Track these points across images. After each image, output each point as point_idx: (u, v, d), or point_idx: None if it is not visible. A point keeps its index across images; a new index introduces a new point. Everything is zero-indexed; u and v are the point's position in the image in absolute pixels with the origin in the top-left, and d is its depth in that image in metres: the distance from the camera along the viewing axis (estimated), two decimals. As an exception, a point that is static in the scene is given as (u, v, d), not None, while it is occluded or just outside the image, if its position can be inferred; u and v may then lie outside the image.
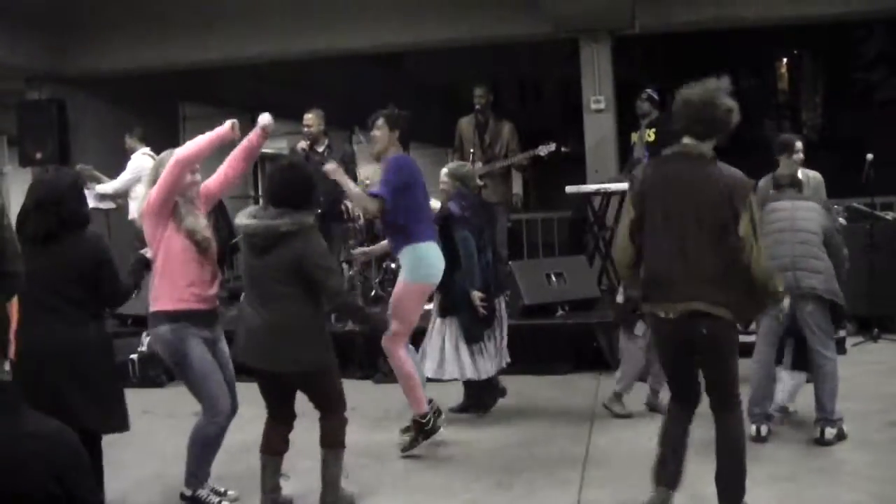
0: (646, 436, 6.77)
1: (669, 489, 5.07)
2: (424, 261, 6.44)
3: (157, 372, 8.95)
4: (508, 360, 7.53)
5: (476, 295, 7.06)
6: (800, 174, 7.56)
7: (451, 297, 7.18)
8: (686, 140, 4.95)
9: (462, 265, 7.07)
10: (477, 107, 10.49)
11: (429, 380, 7.05)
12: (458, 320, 7.20)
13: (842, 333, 9.08)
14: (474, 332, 7.18)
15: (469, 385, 7.56)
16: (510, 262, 10.10)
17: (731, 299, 4.82)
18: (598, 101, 11.82)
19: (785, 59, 25.55)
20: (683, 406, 5.11)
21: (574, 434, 6.98)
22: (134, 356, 8.95)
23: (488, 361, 7.30)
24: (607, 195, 9.88)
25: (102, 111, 13.46)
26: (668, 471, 5.08)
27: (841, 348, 8.98)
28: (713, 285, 4.78)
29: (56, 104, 12.78)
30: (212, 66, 13.55)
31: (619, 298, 7.06)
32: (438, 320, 7.32)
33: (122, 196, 10.45)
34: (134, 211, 10.60)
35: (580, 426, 7.18)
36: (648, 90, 10.30)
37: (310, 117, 9.76)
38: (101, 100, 13.53)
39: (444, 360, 7.22)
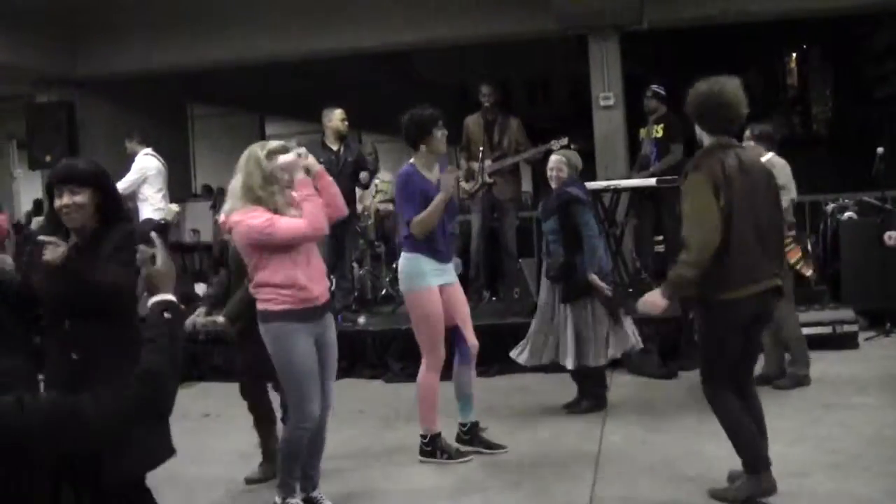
0: (657, 432, 6.79)
1: (767, 468, 5.27)
2: (403, 272, 6.43)
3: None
4: (640, 345, 7.59)
5: (595, 279, 7.12)
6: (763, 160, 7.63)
7: (574, 283, 7.24)
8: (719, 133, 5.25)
9: (584, 248, 7.17)
10: (485, 104, 10.47)
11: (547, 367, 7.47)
12: (584, 304, 7.26)
13: (854, 328, 9.10)
14: (612, 308, 7.27)
15: (580, 377, 7.55)
16: (520, 260, 10.09)
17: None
18: (606, 98, 11.79)
19: (794, 54, 25.49)
20: (744, 385, 5.39)
21: (586, 431, 6.98)
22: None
23: (602, 349, 7.31)
24: (617, 192, 9.86)
25: (111, 113, 13.48)
26: (763, 453, 5.26)
27: (853, 343, 9.02)
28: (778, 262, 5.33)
29: (65, 107, 12.83)
30: (220, 67, 13.56)
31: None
32: (561, 307, 7.34)
33: (129, 199, 10.47)
34: (147, 212, 10.66)
35: (592, 423, 7.18)
36: (655, 86, 10.29)
37: (343, 114, 9.70)
38: (109, 102, 13.55)
39: (565, 347, 7.29)
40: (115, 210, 4.11)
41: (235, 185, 5.25)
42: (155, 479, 3.85)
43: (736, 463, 5.33)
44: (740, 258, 5.11)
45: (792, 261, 7.61)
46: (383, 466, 6.39)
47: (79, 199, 3.96)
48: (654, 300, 5.23)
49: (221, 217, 5.35)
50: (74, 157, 4.11)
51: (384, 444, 6.81)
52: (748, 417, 5.29)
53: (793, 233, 7.74)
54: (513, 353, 7.60)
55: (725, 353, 5.29)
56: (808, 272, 8.11)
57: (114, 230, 4.04)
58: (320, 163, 9.29)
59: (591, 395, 7.52)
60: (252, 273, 5.29)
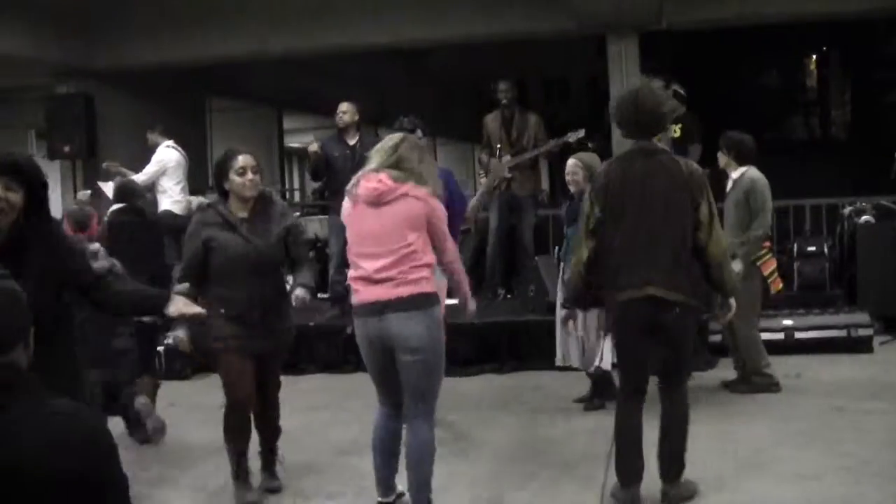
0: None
1: (637, 482, 5.27)
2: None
3: (183, 364, 9.02)
4: None
5: None
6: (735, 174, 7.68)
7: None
8: (639, 139, 5.31)
9: None
10: (503, 101, 10.49)
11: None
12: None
13: (869, 332, 9.08)
14: None
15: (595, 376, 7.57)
16: (536, 258, 10.09)
17: (693, 284, 5.19)
18: (624, 98, 11.74)
19: (813, 57, 25.38)
20: (637, 397, 5.31)
21: (597, 430, 6.98)
22: (160, 349, 9.00)
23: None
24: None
25: (130, 105, 13.52)
26: (634, 465, 5.27)
27: (867, 347, 9.00)
28: (678, 271, 5.12)
29: (84, 98, 12.89)
30: (238, 61, 13.59)
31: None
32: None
33: (148, 190, 10.51)
34: (165, 204, 10.70)
35: (605, 422, 7.18)
36: (675, 86, 10.27)
37: (344, 106, 9.73)
38: (128, 93, 13.58)
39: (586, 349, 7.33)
40: (38, 209, 3.96)
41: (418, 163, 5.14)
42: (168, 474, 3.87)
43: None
44: (616, 263, 5.18)
45: (766, 273, 7.69)
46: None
47: (12, 196, 3.83)
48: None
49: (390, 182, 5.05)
50: (12, 153, 3.91)
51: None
52: (631, 425, 5.29)
53: (769, 244, 7.95)
54: (558, 361, 7.61)
55: (621, 353, 5.46)
56: (778, 286, 8.06)
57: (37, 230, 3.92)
58: (335, 156, 9.40)
59: (603, 393, 7.52)
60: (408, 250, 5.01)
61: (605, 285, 5.25)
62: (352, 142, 9.57)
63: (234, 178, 5.47)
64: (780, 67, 24.55)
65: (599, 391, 7.53)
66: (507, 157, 10.16)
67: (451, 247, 5.26)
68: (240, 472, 5.70)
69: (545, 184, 10.76)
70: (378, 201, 5.03)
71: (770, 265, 7.75)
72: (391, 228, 5.00)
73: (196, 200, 5.73)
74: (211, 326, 5.36)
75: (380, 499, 5.30)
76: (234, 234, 5.46)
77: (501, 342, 8.88)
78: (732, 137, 7.72)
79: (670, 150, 9.70)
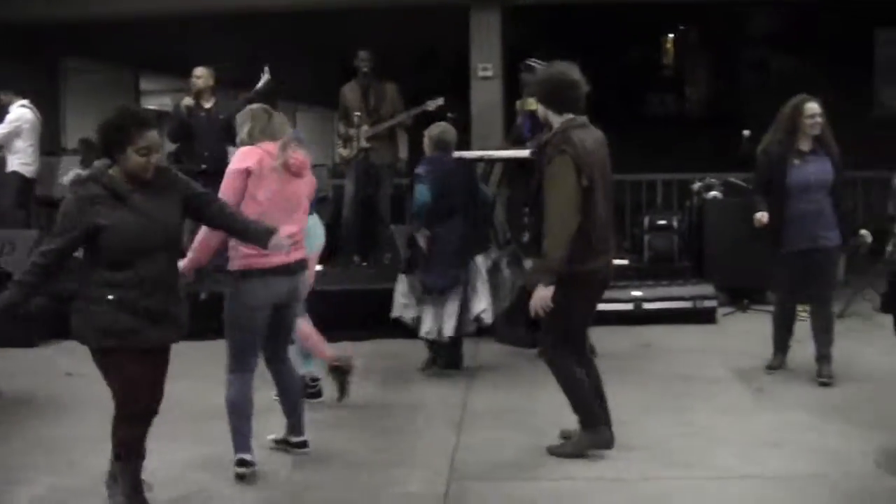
0: (520, 397, 6.94)
1: (608, 426, 5.68)
2: None
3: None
4: (484, 322, 7.73)
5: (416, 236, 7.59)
6: None
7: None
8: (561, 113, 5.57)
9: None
10: (364, 70, 10.48)
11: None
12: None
13: (713, 304, 9.39)
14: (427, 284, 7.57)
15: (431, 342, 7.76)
16: (392, 226, 10.13)
17: None
18: (485, 69, 11.86)
19: (671, 35, 25.87)
20: (582, 350, 5.82)
21: (451, 395, 7.12)
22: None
23: (447, 322, 7.53)
24: (491, 162, 9.95)
25: (-19, 62, 13.05)
26: (599, 411, 5.68)
27: (711, 318, 9.31)
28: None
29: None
30: (96, 21, 13.22)
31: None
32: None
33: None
34: (14, 164, 10.40)
35: (457, 388, 7.31)
36: (530, 60, 10.36)
37: (199, 71, 9.62)
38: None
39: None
40: None
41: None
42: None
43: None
44: (599, 231, 5.48)
45: None
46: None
47: None
48: (541, 296, 5.43)
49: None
50: None
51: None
52: (584, 378, 5.65)
53: None
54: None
55: (573, 321, 5.63)
56: None
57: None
58: (190, 120, 9.29)
59: (443, 354, 7.77)
60: None
61: (578, 253, 5.40)
62: (207, 105, 9.46)
63: (134, 157, 4.59)
64: (639, 45, 24.98)
65: (440, 353, 7.76)
66: (365, 127, 10.16)
67: None
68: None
69: (404, 153, 10.76)
70: (300, 172, 5.54)
71: None
72: (301, 198, 5.61)
73: (72, 173, 4.96)
74: (93, 315, 4.60)
75: (248, 456, 5.44)
76: (125, 208, 4.59)
77: (357, 310, 8.89)
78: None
79: (527, 124, 9.91)
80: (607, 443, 5.66)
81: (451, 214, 7.55)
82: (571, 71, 5.60)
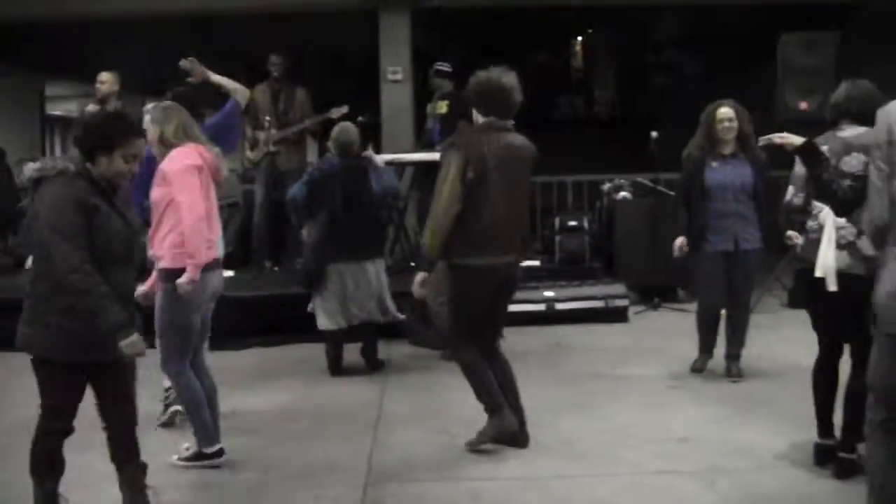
0: (434, 398, 6.95)
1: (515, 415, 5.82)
2: None
3: None
4: (372, 318, 7.76)
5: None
6: None
7: None
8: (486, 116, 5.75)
9: None
10: (274, 74, 10.44)
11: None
12: None
13: (624, 302, 9.50)
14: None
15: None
16: (303, 230, 10.05)
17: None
18: (395, 72, 11.88)
19: (580, 38, 26.15)
20: (492, 349, 5.91)
21: (367, 397, 7.11)
22: None
23: (322, 316, 7.63)
24: (402, 165, 9.96)
25: None
26: (501, 395, 5.79)
27: (623, 316, 9.42)
28: (523, 239, 5.86)
29: None
30: (6, 24, 12.94)
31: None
32: None
33: None
34: None
35: (373, 390, 7.30)
36: (439, 64, 10.41)
37: (105, 76, 9.48)
38: None
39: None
40: None
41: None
42: None
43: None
44: (490, 229, 5.60)
45: None
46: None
47: None
48: (416, 280, 5.75)
49: None
50: None
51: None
52: (487, 367, 5.79)
53: None
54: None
55: (471, 314, 5.76)
56: None
57: None
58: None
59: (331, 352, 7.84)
60: None
61: (463, 247, 5.61)
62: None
63: (119, 161, 4.44)
64: (549, 48, 25.21)
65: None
66: (273, 131, 10.11)
67: None
68: None
69: (313, 157, 10.72)
70: (217, 176, 5.56)
71: None
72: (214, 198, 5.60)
73: (58, 163, 4.48)
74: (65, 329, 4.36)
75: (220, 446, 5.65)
76: (111, 208, 4.44)
77: (269, 315, 8.83)
78: None
79: (437, 127, 9.93)
80: (512, 425, 5.76)
81: (327, 214, 7.62)
82: (506, 77, 5.73)
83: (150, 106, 5.99)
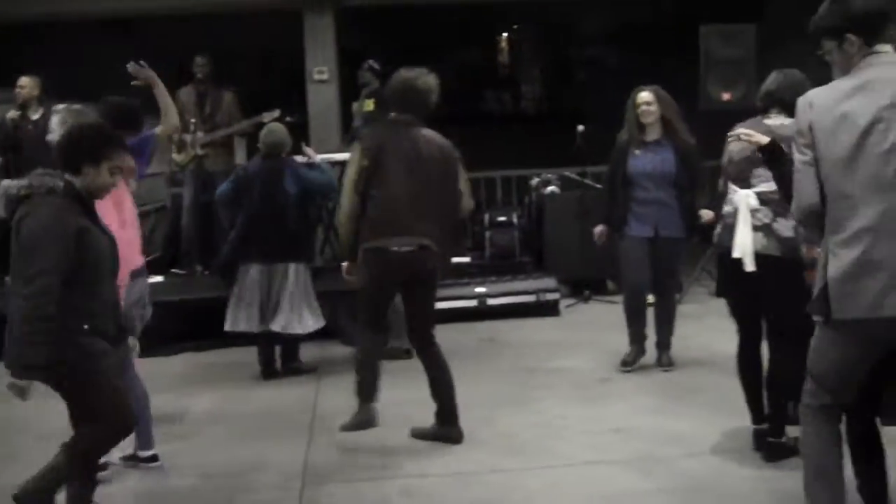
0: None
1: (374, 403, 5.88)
2: None
3: None
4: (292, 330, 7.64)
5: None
6: None
7: None
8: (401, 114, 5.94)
9: None
10: (198, 76, 10.33)
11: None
12: None
13: (555, 296, 9.56)
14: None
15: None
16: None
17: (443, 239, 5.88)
18: (321, 72, 11.88)
19: (506, 34, 26.27)
20: (379, 332, 5.99)
21: (301, 399, 7.10)
22: None
23: (241, 321, 7.62)
24: (330, 164, 9.92)
25: None
26: (373, 389, 5.87)
27: (555, 310, 9.48)
28: (435, 226, 5.80)
29: None
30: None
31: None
32: None
33: None
34: None
35: (307, 391, 7.28)
36: (370, 61, 10.37)
37: (24, 80, 9.32)
38: None
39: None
40: None
41: None
42: None
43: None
44: (387, 213, 5.73)
45: None
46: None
47: None
48: (344, 270, 6.00)
49: None
50: None
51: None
52: (379, 362, 5.93)
53: None
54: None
55: (370, 297, 5.89)
56: None
57: None
58: (17, 132, 9.06)
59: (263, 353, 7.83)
60: None
61: (364, 232, 5.78)
62: (34, 116, 9.19)
63: (105, 174, 4.42)
64: (475, 44, 25.30)
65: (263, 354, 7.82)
66: (200, 134, 10.03)
67: None
68: None
69: (241, 159, 10.63)
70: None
71: None
72: None
73: (46, 180, 4.27)
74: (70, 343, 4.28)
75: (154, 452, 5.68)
76: (94, 224, 4.42)
77: (199, 319, 8.75)
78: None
79: (362, 124, 9.92)
80: (371, 424, 5.85)
81: (244, 213, 7.65)
82: (423, 79, 5.91)
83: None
